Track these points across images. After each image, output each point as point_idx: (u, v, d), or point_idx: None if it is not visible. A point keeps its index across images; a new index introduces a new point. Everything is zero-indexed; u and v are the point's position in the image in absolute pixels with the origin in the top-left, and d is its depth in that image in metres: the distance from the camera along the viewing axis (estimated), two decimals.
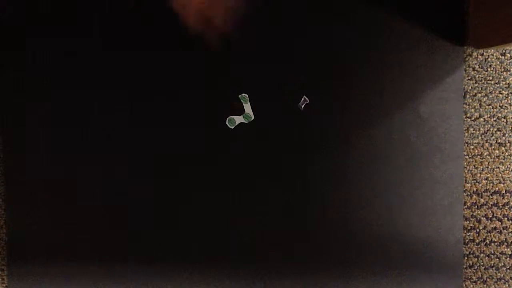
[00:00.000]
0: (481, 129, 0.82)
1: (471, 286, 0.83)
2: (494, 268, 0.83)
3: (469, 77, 0.82)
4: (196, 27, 0.62)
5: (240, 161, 0.82)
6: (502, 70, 0.82)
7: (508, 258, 0.83)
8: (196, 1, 0.63)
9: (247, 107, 0.66)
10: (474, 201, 0.83)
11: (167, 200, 0.83)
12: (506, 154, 0.82)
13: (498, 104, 0.82)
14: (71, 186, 0.83)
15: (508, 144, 0.82)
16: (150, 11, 0.81)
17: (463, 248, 0.83)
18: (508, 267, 0.83)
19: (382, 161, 0.82)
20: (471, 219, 0.83)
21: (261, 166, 0.82)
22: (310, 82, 0.81)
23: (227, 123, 0.71)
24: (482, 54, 0.82)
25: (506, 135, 0.82)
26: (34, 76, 0.82)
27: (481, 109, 0.82)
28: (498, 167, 0.82)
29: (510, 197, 0.83)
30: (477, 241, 0.83)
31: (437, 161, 0.82)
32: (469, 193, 0.83)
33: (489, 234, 0.83)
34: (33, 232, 0.83)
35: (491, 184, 0.83)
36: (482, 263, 0.83)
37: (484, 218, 0.83)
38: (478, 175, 0.82)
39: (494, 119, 0.82)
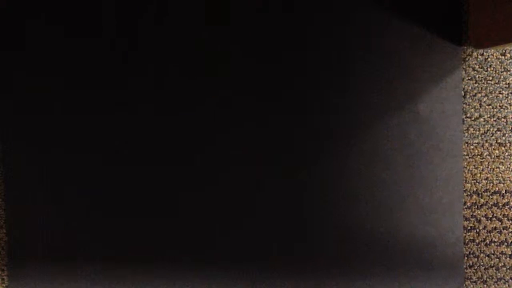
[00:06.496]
0: (481, 129, 0.82)
1: (471, 286, 0.83)
2: (494, 268, 0.83)
3: (469, 77, 0.82)
4: None
5: (239, 161, 0.82)
6: (502, 70, 0.82)
7: (508, 258, 0.83)
8: None
9: None
10: (474, 201, 0.83)
11: (167, 200, 0.83)
12: (506, 154, 0.82)
13: (498, 104, 0.82)
14: (71, 186, 0.83)
15: (508, 144, 0.82)
16: (151, 14, 0.81)
17: (463, 248, 0.83)
18: (508, 267, 0.83)
19: (381, 160, 0.82)
20: (471, 219, 0.83)
21: (260, 165, 0.82)
22: (309, 82, 0.81)
23: None
24: (482, 54, 0.82)
25: (506, 135, 0.82)
26: (34, 76, 0.82)
27: (481, 109, 0.82)
28: (498, 167, 0.82)
29: (510, 197, 0.83)
30: (477, 241, 0.83)
31: (436, 160, 0.82)
32: (469, 193, 0.82)
33: (489, 234, 0.83)
34: (33, 232, 0.83)
35: (491, 184, 0.83)
36: (482, 263, 0.83)
37: (484, 218, 0.83)
38: (478, 175, 0.82)
39: (494, 119, 0.82)
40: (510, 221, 0.83)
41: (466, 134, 0.82)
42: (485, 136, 0.82)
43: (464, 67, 0.82)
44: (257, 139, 0.82)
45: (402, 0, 0.81)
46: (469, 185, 0.82)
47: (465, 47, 0.81)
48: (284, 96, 0.82)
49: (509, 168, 0.82)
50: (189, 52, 0.82)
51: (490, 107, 0.82)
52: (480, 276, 0.83)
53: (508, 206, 0.83)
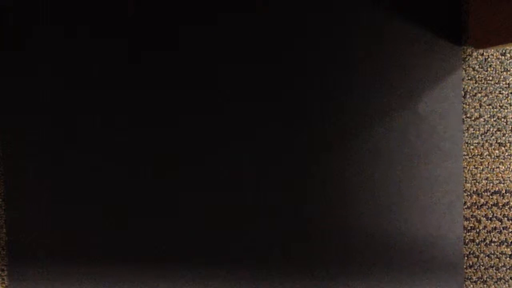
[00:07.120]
0: (481, 129, 0.82)
1: (471, 286, 0.83)
2: (494, 268, 0.83)
3: (469, 77, 0.82)
4: None
5: (239, 161, 0.82)
6: (502, 70, 0.82)
7: (508, 258, 0.83)
8: None
9: None
10: (474, 201, 0.83)
11: (167, 200, 0.83)
12: (506, 154, 0.82)
13: (498, 104, 0.82)
14: (71, 186, 0.83)
15: (508, 144, 0.82)
16: (150, 13, 0.81)
17: (463, 248, 0.83)
18: (508, 267, 0.83)
19: (381, 160, 0.82)
20: (471, 219, 0.83)
21: (261, 165, 0.82)
22: (309, 82, 0.81)
23: None
24: (482, 54, 0.82)
25: (506, 135, 0.82)
26: (34, 76, 0.82)
27: (481, 109, 0.82)
28: (498, 167, 0.82)
29: (510, 197, 0.83)
30: (477, 241, 0.83)
31: (436, 160, 0.82)
32: (469, 193, 0.82)
33: (489, 234, 0.83)
34: (33, 232, 0.83)
35: (491, 184, 0.83)
36: (482, 263, 0.83)
37: (484, 218, 0.83)
38: (478, 175, 0.82)
39: (494, 119, 0.82)
40: (510, 221, 0.83)
41: (466, 134, 0.82)
42: (485, 136, 0.82)
43: (464, 67, 0.82)
44: (257, 139, 0.82)
45: (402, 0, 0.81)
46: (469, 185, 0.82)
47: (465, 47, 0.81)
48: (284, 96, 0.82)
49: (509, 168, 0.82)
50: (189, 52, 0.82)
51: (490, 107, 0.82)
52: (480, 276, 0.83)
53: (508, 206, 0.83)
